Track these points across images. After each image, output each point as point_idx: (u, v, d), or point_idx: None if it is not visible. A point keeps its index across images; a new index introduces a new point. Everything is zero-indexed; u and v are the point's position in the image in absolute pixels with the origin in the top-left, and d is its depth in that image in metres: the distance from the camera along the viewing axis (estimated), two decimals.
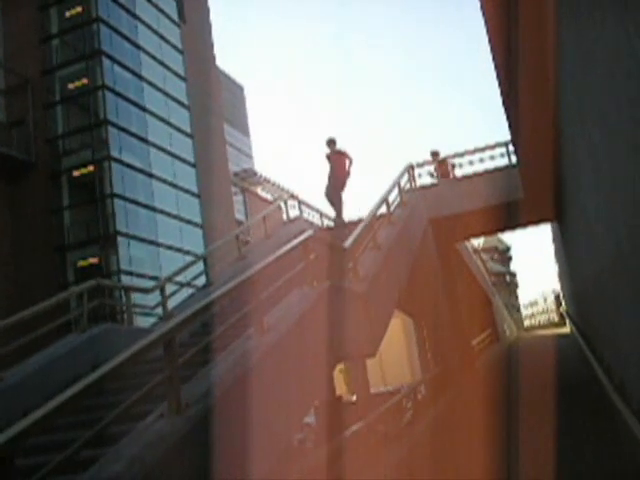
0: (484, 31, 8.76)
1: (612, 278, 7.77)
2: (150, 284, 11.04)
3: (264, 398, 5.29)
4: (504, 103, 11.43)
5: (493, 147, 15.94)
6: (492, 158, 15.85)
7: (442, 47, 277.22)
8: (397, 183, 12.76)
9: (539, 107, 10.90)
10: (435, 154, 15.24)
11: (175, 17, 31.40)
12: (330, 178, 13.13)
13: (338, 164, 13.08)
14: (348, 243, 8.55)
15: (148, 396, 4.58)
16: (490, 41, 8.96)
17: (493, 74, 10.04)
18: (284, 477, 6.53)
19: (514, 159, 15.23)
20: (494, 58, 9.54)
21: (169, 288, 9.96)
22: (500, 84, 10.48)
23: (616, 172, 5.78)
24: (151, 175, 26.28)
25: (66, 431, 5.15)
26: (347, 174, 13.27)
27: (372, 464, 8.67)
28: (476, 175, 15.83)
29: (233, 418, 4.86)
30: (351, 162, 13.16)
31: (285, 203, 16.13)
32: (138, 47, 27.75)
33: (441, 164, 14.99)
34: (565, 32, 7.61)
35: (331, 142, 13.07)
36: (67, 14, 26.89)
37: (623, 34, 4.33)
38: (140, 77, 27.30)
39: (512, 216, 16.40)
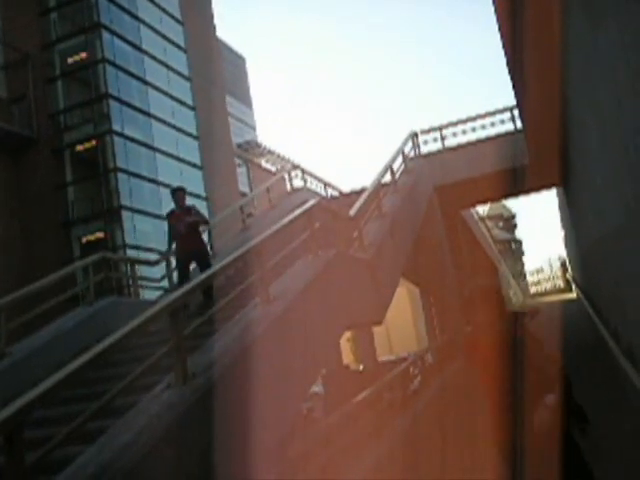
0: None
1: (619, 241, 7.71)
2: (156, 257, 11.00)
3: (271, 367, 5.29)
4: (509, 66, 11.25)
5: (501, 112, 15.78)
6: (502, 122, 15.70)
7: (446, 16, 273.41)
8: (401, 150, 12.66)
9: (545, 70, 10.74)
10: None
11: None
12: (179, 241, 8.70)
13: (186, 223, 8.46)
14: (353, 211, 8.49)
15: (155, 368, 4.58)
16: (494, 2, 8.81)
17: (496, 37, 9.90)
18: (294, 445, 6.58)
19: (519, 124, 15.08)
20: (498, 19, 9.37)
21: (174, 261, 9.94)
22: (504, 46, 10.31)
23: (624, 133, 5.69)
24: (154, 148, 26.12)
25: (74, 403, 5.17)
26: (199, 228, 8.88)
27: (379, 432, 8.72)
28: (481, 141, 15.71)
29: (241, 387, 4.87)
30: (206, 222, 9.33)
31: (289, 174, 16.08)
32: (137, 19, 27.34)
33: None
34: None
35: (178, 192, 8.78)
36: None
37: None
38: (140, 49, 26.94)
39: (518, 182, 16.31)
